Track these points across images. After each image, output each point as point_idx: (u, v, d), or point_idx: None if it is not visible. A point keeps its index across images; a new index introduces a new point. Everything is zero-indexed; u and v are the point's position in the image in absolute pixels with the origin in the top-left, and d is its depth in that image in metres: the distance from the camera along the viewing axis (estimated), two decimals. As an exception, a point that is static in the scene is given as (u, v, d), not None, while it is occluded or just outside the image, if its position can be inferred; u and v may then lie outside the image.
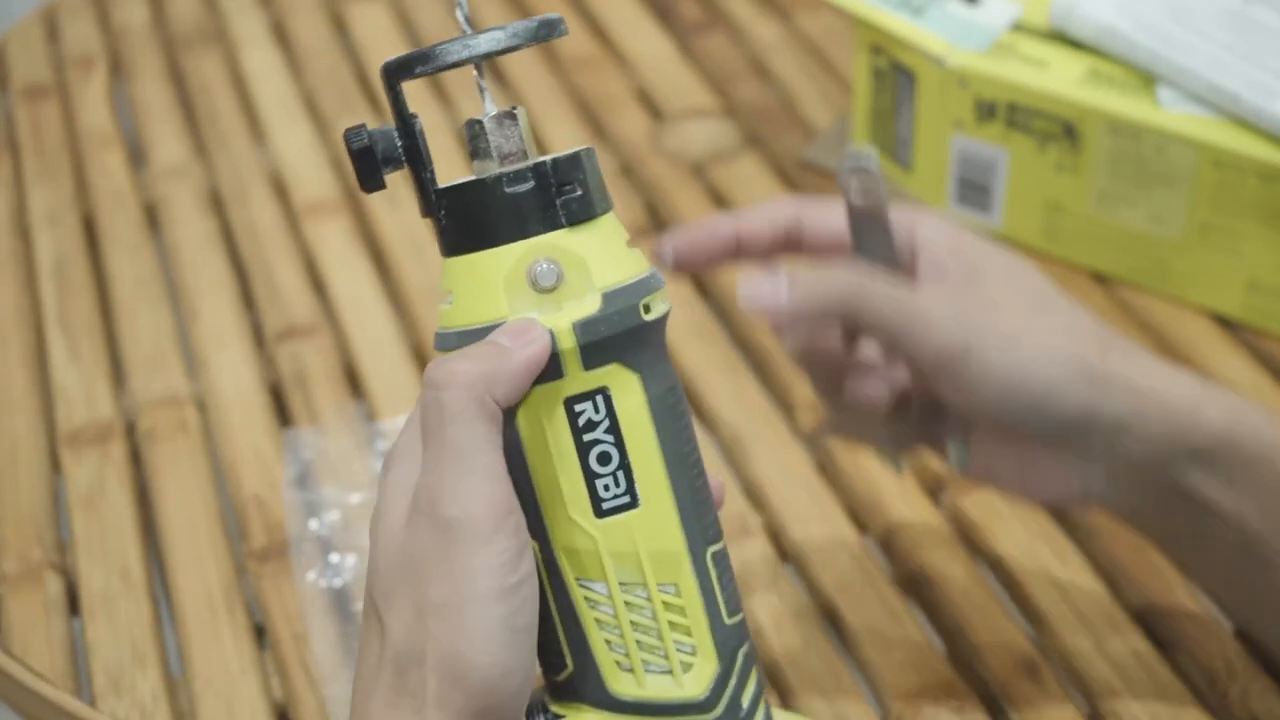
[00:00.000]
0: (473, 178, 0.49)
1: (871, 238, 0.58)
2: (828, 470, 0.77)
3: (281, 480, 0.77)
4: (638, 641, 0.49)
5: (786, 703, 0.66)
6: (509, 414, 0.48)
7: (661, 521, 0.49)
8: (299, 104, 1.05)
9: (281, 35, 1.12)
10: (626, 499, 0.49)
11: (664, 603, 0.49)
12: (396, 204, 0.95)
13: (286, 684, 0.69)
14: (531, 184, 0.48)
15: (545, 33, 0.50)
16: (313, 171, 0.98)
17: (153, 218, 0.97)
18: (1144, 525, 0.60)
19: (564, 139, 0.99)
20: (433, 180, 0.49)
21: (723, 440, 0.79)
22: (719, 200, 0.94)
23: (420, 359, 0.85)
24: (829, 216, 0.60)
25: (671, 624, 0.49)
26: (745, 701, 0.50)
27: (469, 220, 0.49)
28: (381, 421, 0.80)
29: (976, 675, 0.66)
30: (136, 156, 1.02)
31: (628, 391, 0.49)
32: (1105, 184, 0.81)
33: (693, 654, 0.50)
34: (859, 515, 0.74)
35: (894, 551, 0.72)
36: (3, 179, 1.00)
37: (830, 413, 0.63)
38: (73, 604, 0.74)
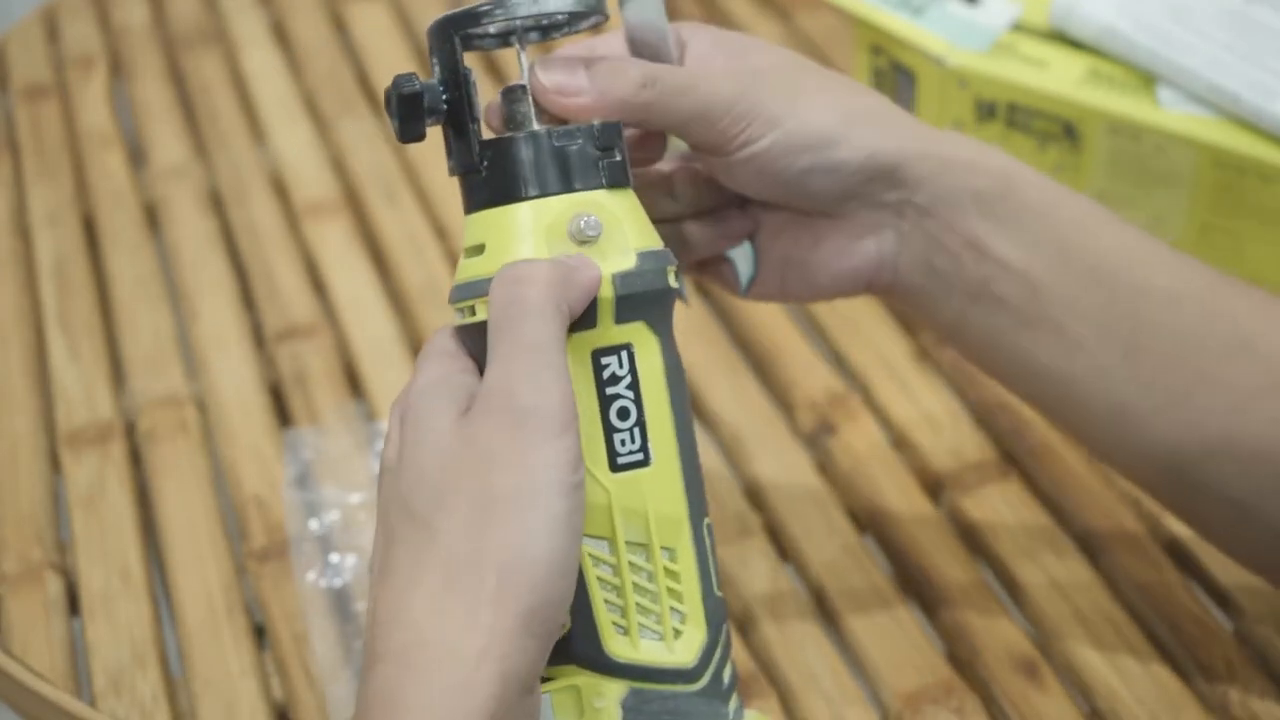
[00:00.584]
0: (521, 132, 0.51)
1: (648, 57, 0.59)
2: (828, 470, 0.77)
3: (281, 480, 0.78)
4: (638, 604, 0.50)
5: (786, 703, 0.66)
6: None
7: (669, 484, 0.50)
8: (299, 104, 1.04)
9: (281, 35, 1.12)
10: (640, 456, 0.50)
11: (665, 567, 0.50)
12: (396, 204, 0.95)
13: (286, 684, 0.69)
14: (580, 142, 0.51)
15: (596, 8, 0.53)
16: (313, 171, 0.98)
17: (153, 218, 0.97)
18: (936, 305, 0.60)
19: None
20: (478, 132, 0.52)
21: (723, 440, 0.79)
22: (719, 200, 0.94)
23: (420, 359, 0.85)
24: (610, 44, 0.60)
25: (669, 590, 0.50)
26: (725, 678, 0.52)
27: (513, 172, 0.51)
28: (381, 421, 0.80)
29: (976, 675, 0.66)
30: (136, 156, 1.02)
31: (649, 352, 0.50)
32: (1105, 184, 0.81)
33: (684, 622, 0.50)
34: (859, 515, 0.74)
35: (894, 551, 0.72)
36: (3, 179, 1.00)
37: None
38: (73, 604, 0.74)
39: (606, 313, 0.50)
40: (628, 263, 0.50)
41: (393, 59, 1.07)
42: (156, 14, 1.15)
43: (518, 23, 0.54)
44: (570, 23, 0.55)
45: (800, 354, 0.83)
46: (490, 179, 0.51)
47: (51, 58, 1.11)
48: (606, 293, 0.50)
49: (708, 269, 0.63)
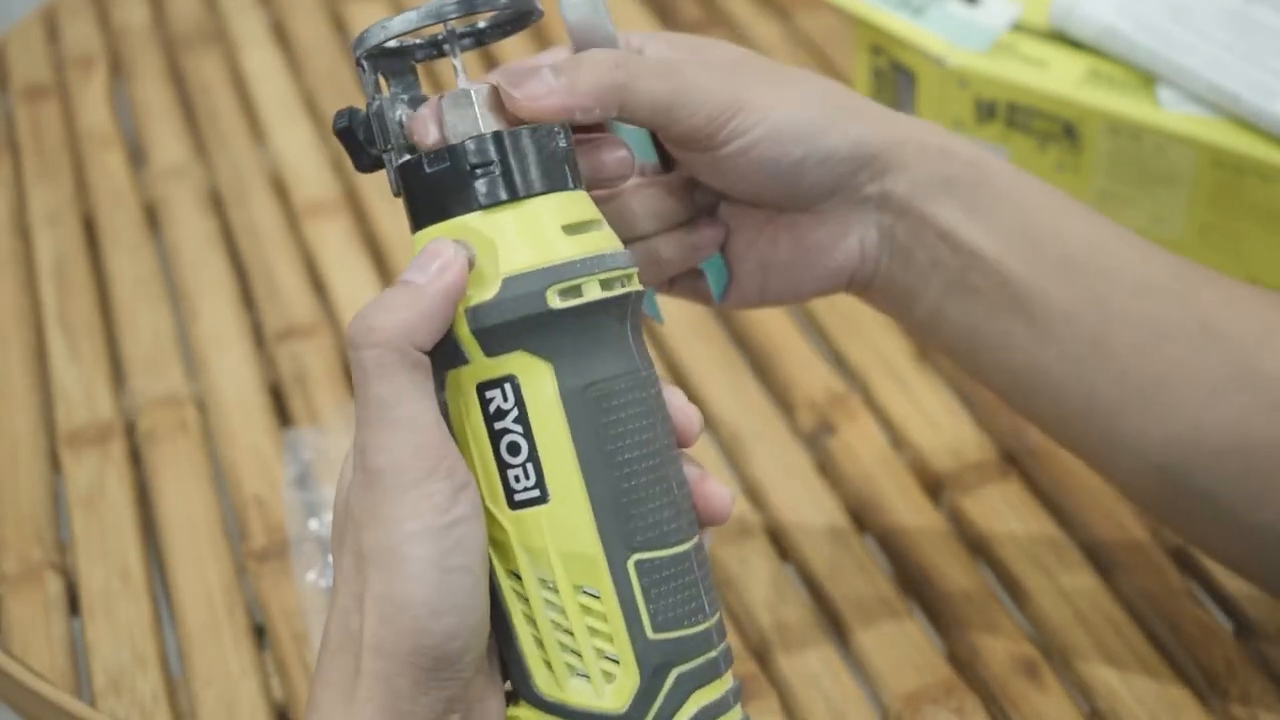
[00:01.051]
0: (407, 158, 0.50)
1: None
2: (828, 470, 0.77)
3: (281, 480, 0.78)
4: (559, 643, 0.48)
5: (786, 703, 0.66)
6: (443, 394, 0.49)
7: (573, 521, 0.47)
8: (299, 104, 1.05)
9: (281, 35, 1.12)
10: (536, 493, 0.47)
11: (582, 606, 0.48)
12: (396, 204, 0.94)
13: (286, 684, 0.69)
14: (447, 164, 0.48)
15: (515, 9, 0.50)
16: (313, 171, 0.98)
17: (153, 218, 0.97)
18: (913, 300, 0.60)
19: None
20: (391, 160, 0.50)
21: (723, 440, 0.79)
22: (719, 200, 0.94)
23: (420, 359, 0.85)
24: (557, 55, 0.58)
25: (591, 629, 0.48)
26: None
27: (414, 199, 0.50)
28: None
29: (976, 675, 0.66)
30: (136, 156, 1.02)
31: (537, 381, 0.47)
32: (1105, 184, 0.81)
33: (615, 662, 0.48)
34: (859, 515, 0.74)
35: (894, 551, 0.72)
36: (3, 179, 1.00)
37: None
38: (73, 604, 0.74)
39: (473, 348, 0.47)
40: (489, 293, 0.47)
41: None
42: (156, 14, 1.15)
43: (446, 30, 0.51)
44: (498, 27, 0.52)
45: (800, 354, 0.83)
46: (406, 206, 0.50)
47: (51, 58, 1.11)
48: (462, 329, 0.47)
49: (677, 285, 0.62)
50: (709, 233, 0.60)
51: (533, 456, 0.47)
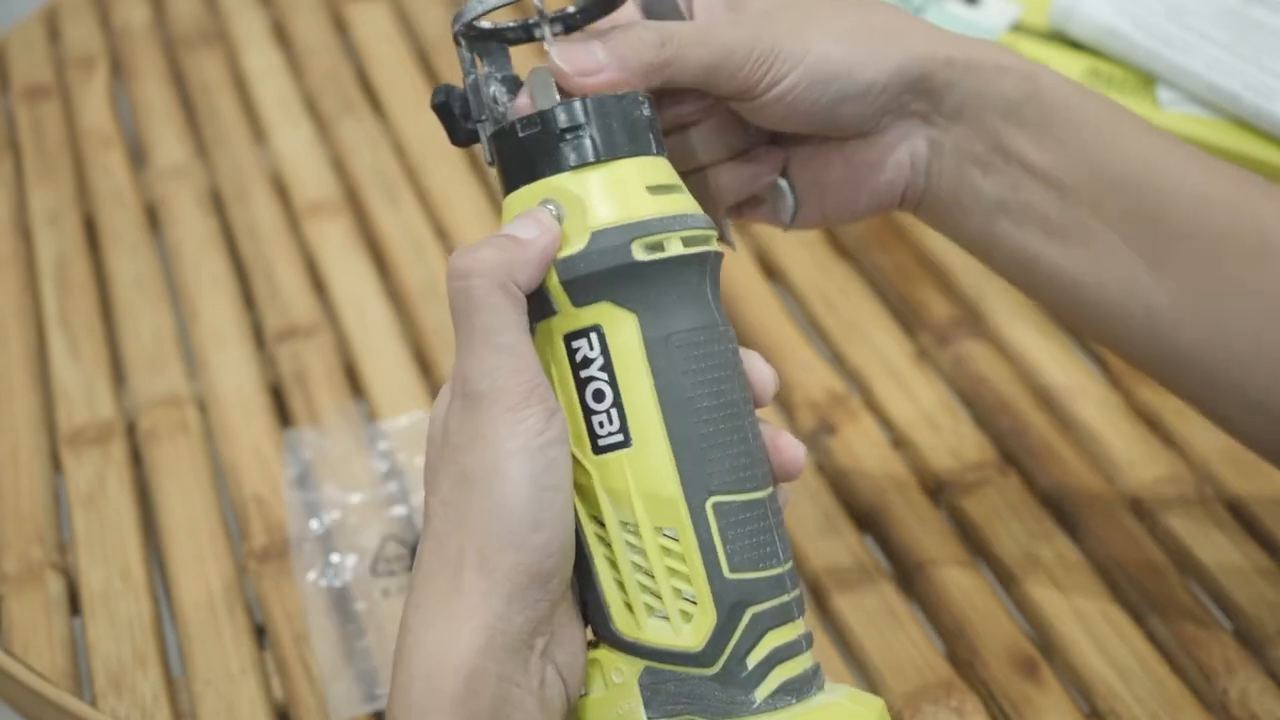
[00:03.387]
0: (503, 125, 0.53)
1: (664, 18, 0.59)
2: (828, 470, 0.77)
3: (282, 480, 0.78)
4: (639, 584, 0.50)
5: (786, 702, 0.66)
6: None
7: (655, 464, 0.50)
8: (299, 104, 1.05)
9: (281, 35, 1.12)
10: (620, 437, 0.50)
11: (662, 547, 0.50)
12: (397, 204, 0.95)
13: (287, 684, 0.69)
14: (538, 129, 0.51)
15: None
16: (313, 171, 0.98)
17: (153, 218, 0.97)
18: (966, 216, 0.60)
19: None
20: (485, 130, 0.53)
21: (723, 440, 0.79)
22: (719, 200, 0.94)
23: (420, 359, 0.85)
24: (626, 14, 0.59)
25: (670, 570, 0.50)
26: (750, 663, 0.50)
27: (507, 164, 0.53)
28: (381, 422, 0.80)
29: (976, 675, 0.67)
30: (137, 156, 1.02)
31: (621, 330, 0.50)
32: (1105, 184, 0.81)
33: (693, 603, 0.50)
34: (859, 515, 0.74)
35: (894, 551, 0.72)
36: (3, 179, 1.00)
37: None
38: (73, 604, 0.74)
39: (561, 298, 0.50)
40: (577, 245, 0.50)
41: (393, 59, 1.07)
42: (157, 14, 1.15)
43: (536, 14, 0.55)
44: (586, 11, 0.55)
45: (800, 354, 0.83)
46: (499, 171, 0.53)
47: (52, 58, 1.11)
48: (552, 280, 0.50)
49: (746, 210, 0.63)
50: (767, 160, 0.61)
51: (617, 402, 0.50)
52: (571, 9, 0.55)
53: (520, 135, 0.52)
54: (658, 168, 0.52)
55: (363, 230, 0.94)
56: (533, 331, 0.51)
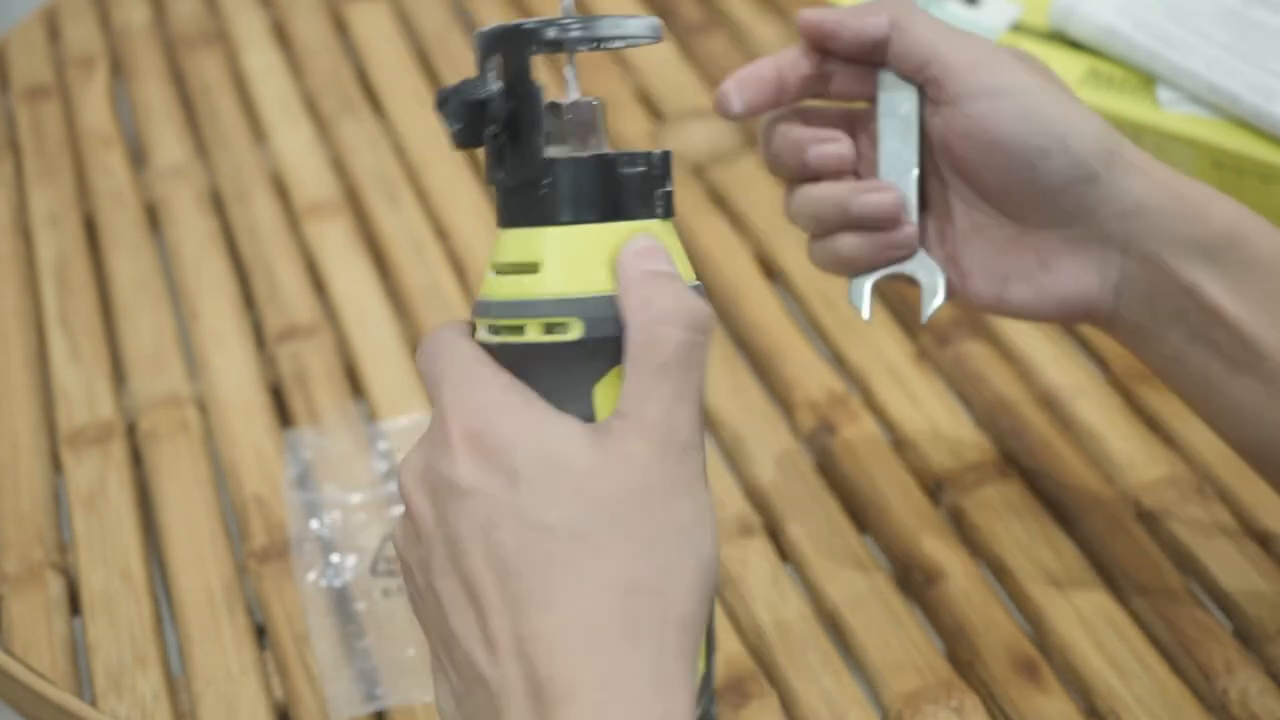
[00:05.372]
0: (589, 152, 0.50)
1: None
2: (828, 470, 0.77)
3: (282, 480, 0.78)
4: None
5: (786, 703, 0.66)
6: (588, 390, 0.49)
7: None
8: (299, 104, 1.05)
9: (281, 35, 1.12)
10: None
11: None
12: (397, 204, 0.95)
13: (287, 684, 0.69)
14: (643, 169, 0.50)
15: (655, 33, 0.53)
16: (313, 171, 0.98)
17: (153, 218, 0.97)
18: (1154, 341, 0.60)
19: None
20: (542, 147, 0.50)
21: (723, 440, 0.79)
22: (719, 201, 0.94)
23: (420, 359, 0.85)
24: (858, 25, 0.61)
25: None
26: (713, 712, 0.51)
27: (579, 193, 0.50)
28: (381, 422, 0.80)
29: (976, 675, 0.67)
30: (137, 156, 1.02)
31: None
32: (1105, 184, 0.81)
33: None
34: (859, 515, 0.74)
35: (894, 551, 0.72)
36: (3, 179, 1.00)
37: (813, 244, 0.64)
38: (73, 604, 0.74)
39: None
40: None
41: (393, 59, 1.07)
42: (157, 14, 1.15)
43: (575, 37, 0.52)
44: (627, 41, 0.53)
45: (800, 354, 0.83)
46: (551, 196, 0.50)
47: (52, 58, 1.11)
48: None
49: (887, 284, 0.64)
50: (901, 232, 0.61)
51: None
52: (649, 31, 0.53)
53: (623, 170, 0.50)
54: None
55: (363, 230, 0.94)
56: (601, 377, 0.49)
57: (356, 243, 0.93)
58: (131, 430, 0.82)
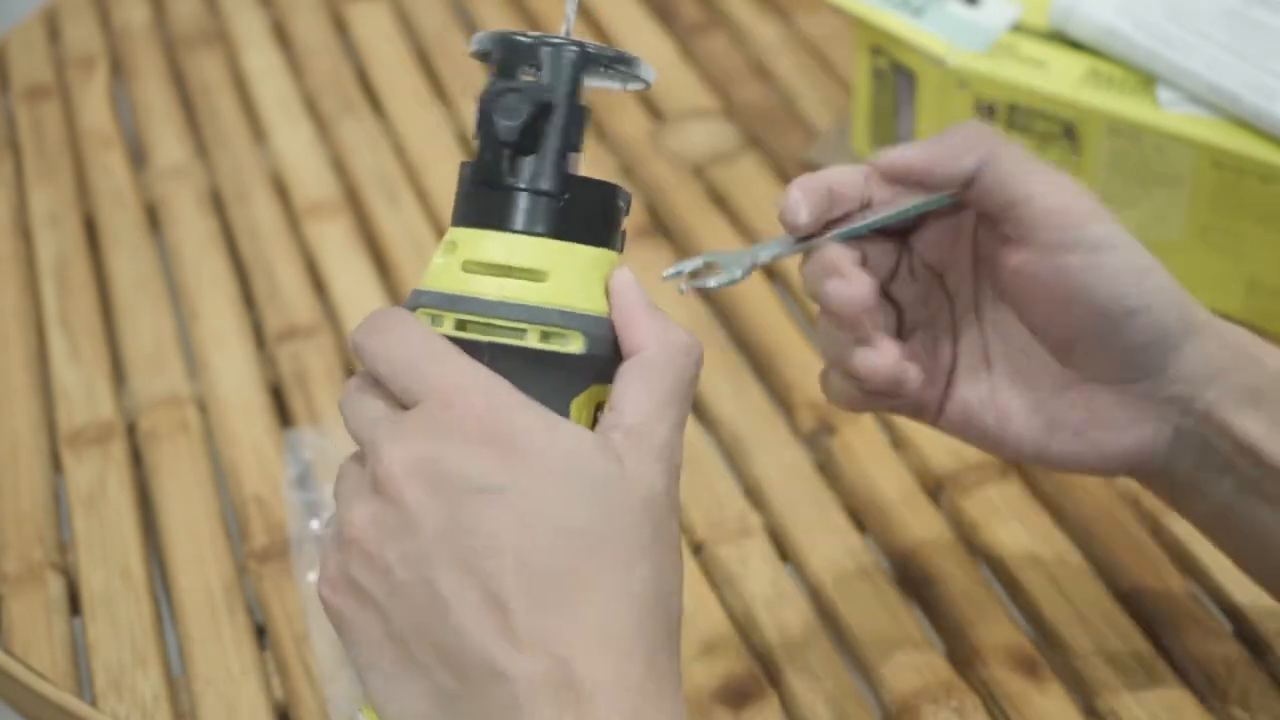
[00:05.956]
0: (602, 180, 0.52)
1: None
2: (828, 470, 0.77)
3: (282, 480, 0.78)
4: None
5: (786, 703, 0.66)
6: (566, 403, 0.50)
7: None
8: (299, 104, 1.05)
9: (281, 35, 1.12)
10: None
11: None
12: (397, 204, 0.95)
13: (287, 684, 0.69)
14: (622, 205, 0.52)
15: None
16: (313, 171, 0.98)
17: (153, 218, 0.97)
18: (1196, 493, 0.58)
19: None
20: (575, 162, 0.52)
21: (723, 440, 0.79)
22: (719, 201, 0.94)
23: (421, 359, 0.85)
24: (903, 152, 0.58)
25: None
26: None
27: (591, 215, 0.51)
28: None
29: (976, 675, 0.67)
30: (137, 156, 1.02)
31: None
32: (1105, 185, 0.81)
33: None
34: (859, 515, 0.74)
35: (894, 551, 0.72)
36: (3, 179, 1.00)
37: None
38: (73, 604, 0.74)
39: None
40: None
41: (393, 59, 1.07)
42: (157, 14, 1.15)
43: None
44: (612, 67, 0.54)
45: (800, 354, 0.83)
46: (568, 212, 0.50)
47: (52, 58, 1.11)
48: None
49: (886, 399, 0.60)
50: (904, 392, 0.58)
51: None
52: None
53: (618, 203, 0.52)
54: None
55: (363, 230, 0.94)
56: (579, 394, 0.50)
57: (356, 243, 0.93)
58: (131, 430, 0.82)
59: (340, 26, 1.12)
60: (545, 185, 0.50)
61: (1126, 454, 0.58)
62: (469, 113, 0.98)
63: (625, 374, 0.49)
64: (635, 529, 0.47)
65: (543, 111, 0.50)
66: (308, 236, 0.94)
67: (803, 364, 0.82)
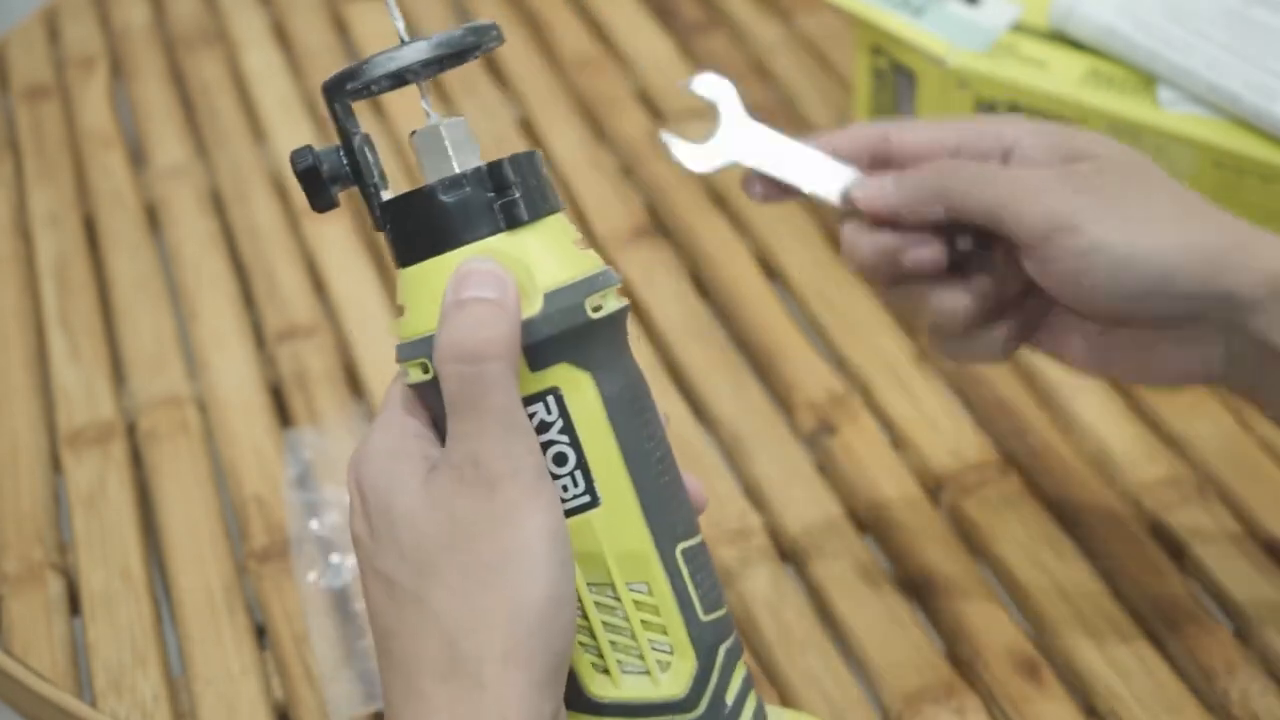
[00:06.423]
0: (411, 189, 0.50)
1: None
2: (828, 470, 0.77)
3: (282, 480, 0.78)
4: (612, 642, 0.49)
5: (786, 703, 0.66)
6: None
7: (625, 520, 0.49)
8: (299, 104, 1.05)
9: (281, 35, 1.12)
10: (586, 499, 0.49)
11: (635, 602, 0.49)
12: (397, 204, 0.95)
13: (287, 684, 0.69)
14: (467, 190, 0.49)
15: (474, 41, 0.51)
16: (313, 172, 0.98)
17: (153, 218, 0.97)
18: (1262, 397, 0.59)
19: (564, 140, 0.99)
20: (377, 194, 0.50)
21: (723, 440, 0.79)
22: (719, 201, 0.94)
23: (420, 359, 0.85)
24: (916, 131, 0.60)
25: (645, 623, 0.49)
26: (729, 698, 0.50)
27: (413, 230, 0.50)
28: (382, 421, 0.80)
29: (976, 675, 0.67)
30: (137, 156, 1.02)
31: (580, 391, 0.49)
32: (1105, 184, 0.81)
33: (670, 653, 0.49)
34: (859, 515, 0.74)
35: (894, 551, 0.72)
36: (3, 179, 1.01)
37: (935, 338, 0.63)
38: (73, 604, 0.74)
39: (520, 364, 0.48)
40: (532, 309, 0.48)
41: (393, 59, 1.07)
42: (157, 14, 1.15)
43: (413, 66, 0.52)
44: (458, 58, 0.53)
45: (800, 354, 0.83)
46: (396, 239, 0.50)
47: (52, 58, 1.11)
48: None
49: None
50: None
51: (581, 463, 0.49)
52: (433, 51, 0.52)
53: (442, 198, 0.49)
54: (568, 223, 0.51)
55: (363, 230, 0.94)
56: None
57: (356, 243, 0.93)
58: (131, 430, 0.82)
59: (340, 26, 1.12)
60: (374, 223, 0.51)
61: (1185, 374, 0.60)
62: (469, 112, 0.98)
63: None
64: (430, 565, 0.47)
65: (306, 171, 0.51)
66: (308, 236, 0.94)
67: (803, 364, 0.82)
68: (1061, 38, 0.83)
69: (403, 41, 0.51)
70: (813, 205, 0.92)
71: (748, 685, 0.51)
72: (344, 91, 0.51)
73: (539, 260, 0.49)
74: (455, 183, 0.49)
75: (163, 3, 1.16)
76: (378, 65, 0.50)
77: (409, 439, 0.49)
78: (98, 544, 0.76)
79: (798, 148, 0.62)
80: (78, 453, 0.81)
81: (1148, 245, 0.55)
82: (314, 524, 0.75)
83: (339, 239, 0.93)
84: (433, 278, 0.49)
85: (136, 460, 0.81)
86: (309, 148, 0.51)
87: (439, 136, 0.50)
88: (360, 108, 0.52)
